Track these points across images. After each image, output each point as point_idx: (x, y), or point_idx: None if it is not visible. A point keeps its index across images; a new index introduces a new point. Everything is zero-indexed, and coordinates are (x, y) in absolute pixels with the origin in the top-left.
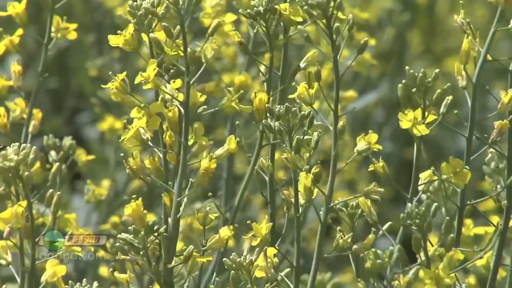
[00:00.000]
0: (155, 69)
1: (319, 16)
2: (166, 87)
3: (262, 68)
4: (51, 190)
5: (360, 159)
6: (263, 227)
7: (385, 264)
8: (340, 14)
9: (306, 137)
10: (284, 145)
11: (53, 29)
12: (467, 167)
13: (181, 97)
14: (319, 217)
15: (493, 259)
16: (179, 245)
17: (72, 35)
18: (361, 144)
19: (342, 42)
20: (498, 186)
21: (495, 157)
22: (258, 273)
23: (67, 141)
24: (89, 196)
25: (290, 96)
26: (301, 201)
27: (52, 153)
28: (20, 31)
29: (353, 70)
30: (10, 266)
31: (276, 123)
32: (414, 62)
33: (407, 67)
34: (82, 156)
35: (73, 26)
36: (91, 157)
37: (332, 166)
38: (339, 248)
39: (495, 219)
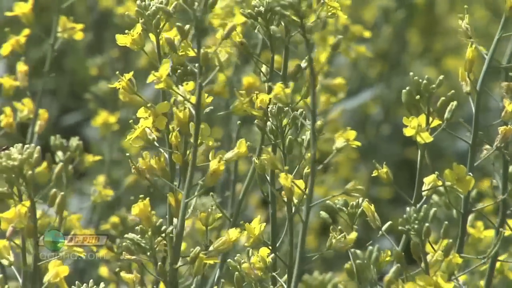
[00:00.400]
0: (167, 69)
1: (292, 16)
2: (178, 88)
3: (263, 68)
4: (54, 190)
5: (357, 158)
6: (256, 227)
7: (366, 264)
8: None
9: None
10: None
11: (59, 29)
12: (470, 173)
13: (193, 99)
14: (300, 217)
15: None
16: (182, 246)
17: (79, 35)
18: (339, 141)
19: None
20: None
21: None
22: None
23: (74, 141)
24: (96, 196)
25: (267, 96)
26: (294, 200)
27: (59, 153)
28: (26, 31)
29: (350, 69)
30: (12, 266)
31: (268, 123)
32: (413, 62)
33: (411, 73)
34: (89, 156)
35: (79, 26)
36: (98, 157)
37: (311, 165)
38: (332, 248)
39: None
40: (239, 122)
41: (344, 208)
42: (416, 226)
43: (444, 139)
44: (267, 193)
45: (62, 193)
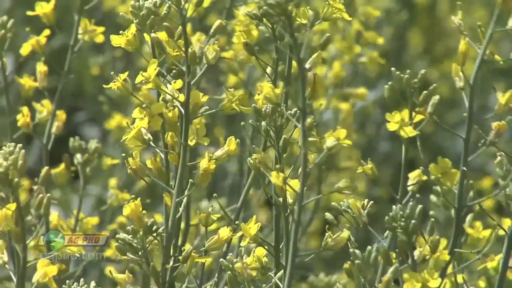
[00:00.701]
0: (156, 68)
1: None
2: (167, 87)
3: (268, 69)
4: (41, 195)
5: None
6: (252, 227)
7: (364, 265)
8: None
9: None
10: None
11: (80, 31)
12: (464, 168)
13: (181, 97)
14: (293, 216)
15: (501, 262)
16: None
17: (100, 38)
18: (329, 141)
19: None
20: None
21: (504, 160)
22: (254, 273)
23: (93, 144)
24: (113, 200)
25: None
26: (289, 200)
27: (78, 155)
28: (47, 32)
29: (350, 70)
30: (6, 266)
31: (263, 122)
32: (413, 63)
33: (393, 69)
34: (107, 159)
35: (101, 29)
36: (116, 161)
37: (302, 165)
38: (323, 247)
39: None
40: (242, 123)
41: (348, 209)
42: (402, 224)
43: (444, 139)
44: (270, 194)
45: (48, 195)
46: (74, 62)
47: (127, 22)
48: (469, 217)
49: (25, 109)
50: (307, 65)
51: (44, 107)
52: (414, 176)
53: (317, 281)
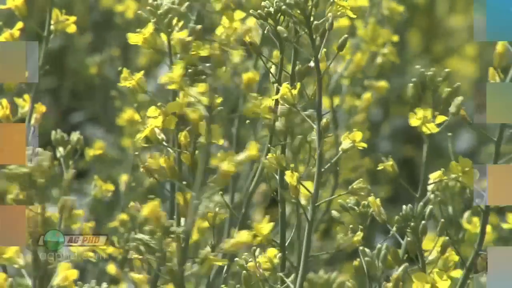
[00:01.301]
0: (181, 69)
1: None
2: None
3: (273, 69)
4: (64, 197)
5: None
6: (264, 227)
7: (373, 262)
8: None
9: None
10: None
11: (52, 22)
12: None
13: (205, 100)
14: (306, 216)
15: None
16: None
17: (72, 29)
18: (345, 143)
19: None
20: None
21: None
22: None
23: (75, 136)
24: (96, 192)
25: (274, 97)
26: (303, 201)
27: (60, 149)
28: (20, 24)
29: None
30: (22, 270)
31: (277, 123)
32: (412, 62)
33: (417, 66)
34: (90, 151)
35: (73, 18)
36: (99, 151)
37: (317, 165)
38: (336, 247)
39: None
40: (247, 121)
41: (355, 207)
42: (412, 224)
43: (443, 138)
44: (276, 192)
45: (73, 198)
46: (75, 63)
47: (125, 22)
48: (467, 213)
49: (4, 101)
50: (311, 64)
51: (26, 102)
52: (434, 177)
53: (316, 278)
